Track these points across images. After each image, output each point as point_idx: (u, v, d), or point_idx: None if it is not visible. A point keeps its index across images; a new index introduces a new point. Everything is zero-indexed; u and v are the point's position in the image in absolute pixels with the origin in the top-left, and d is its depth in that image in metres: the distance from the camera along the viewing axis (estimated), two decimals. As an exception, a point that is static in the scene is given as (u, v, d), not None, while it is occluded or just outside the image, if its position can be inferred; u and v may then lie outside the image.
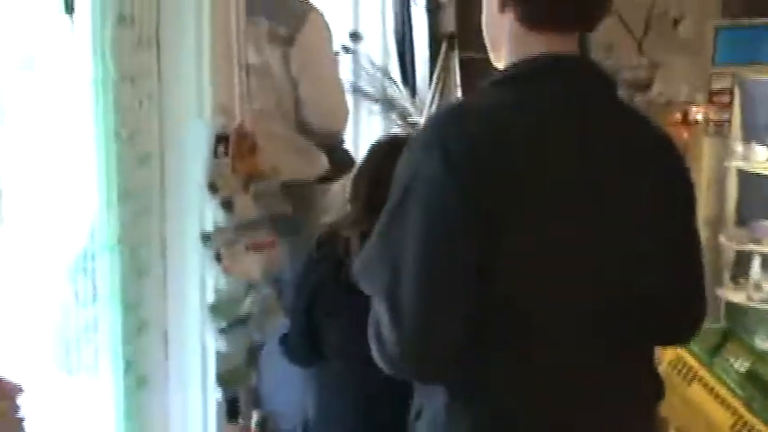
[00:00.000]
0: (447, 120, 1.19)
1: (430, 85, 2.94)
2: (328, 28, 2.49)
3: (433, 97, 2.90)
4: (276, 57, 2.36)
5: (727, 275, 3.30)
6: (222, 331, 2.02)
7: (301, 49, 2.38)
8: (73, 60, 1.93)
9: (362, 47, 3.26)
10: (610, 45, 3.23)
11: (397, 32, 3.19)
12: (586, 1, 1.19)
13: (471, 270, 1.09)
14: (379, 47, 3.34)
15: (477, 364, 1.13)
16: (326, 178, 2.55)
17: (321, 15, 2.45)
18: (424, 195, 1.10)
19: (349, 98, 2.92)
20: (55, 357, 2.21)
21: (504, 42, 1.20)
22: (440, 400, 1.16)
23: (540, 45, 1.17)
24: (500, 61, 1.22)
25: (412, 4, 3.14)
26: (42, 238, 2.11)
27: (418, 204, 1.10)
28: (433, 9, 2.93)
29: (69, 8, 1.74)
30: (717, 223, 3.33)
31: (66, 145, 2.08)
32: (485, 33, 1.25)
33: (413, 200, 1.11)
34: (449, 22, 2.84)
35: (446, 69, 2.81)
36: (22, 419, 1.56)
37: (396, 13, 3.21)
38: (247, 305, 2.07)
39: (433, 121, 1.25)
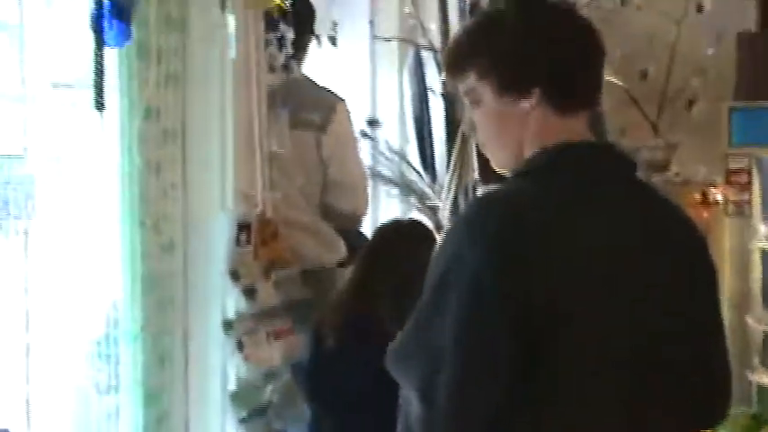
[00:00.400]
0: (482, 213, 1.17)
1: (448, 169, 2.99)
2: (352, 117, 2.62)
3: (451, 181, 2.94)
4: (308, 142, 2.45)
5: (756, 358, 3.25)
6: (243, 420, 2.01)
7: (333, 136, 2.50)
8: (101, 153, 1.98)
9: (381, 132, 3.33)
10: (624, 128, 3.27)
11: (415, 118, 3.26)
12: (600, 73, 1.19)
13: (515, 366, 1.07)
14: (396, 132, 3.41)
15: None
16: (343, 263, 2.58)
17: (347, 105, 2.58)
18: (464, 290, 1.08)
19: (368, 182, 2.97)
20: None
21: (520, 135, 1.18)
22: None
23: (561, 129, 1.16)
24: (510, 158, 1.20)
25: (429, 91, 3.22)
26: (65, 324, 2.12)
27: (458, 299, 1.08)
28: (450, 95, 3.00)
29: (99, 105, 1.80)
30: (742, 304, 3.28)
31: (92, 233, 2.12)
32: (489, 136, 1.22)
33: (452, 293, 1.09)
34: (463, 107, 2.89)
35: (463, 154, 2.86)
36: None
37: (413, 100, 3.29)
38: (268, 393, 2.06)
39: (470, 214, 1.23)
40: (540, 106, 1.15)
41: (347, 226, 2.56)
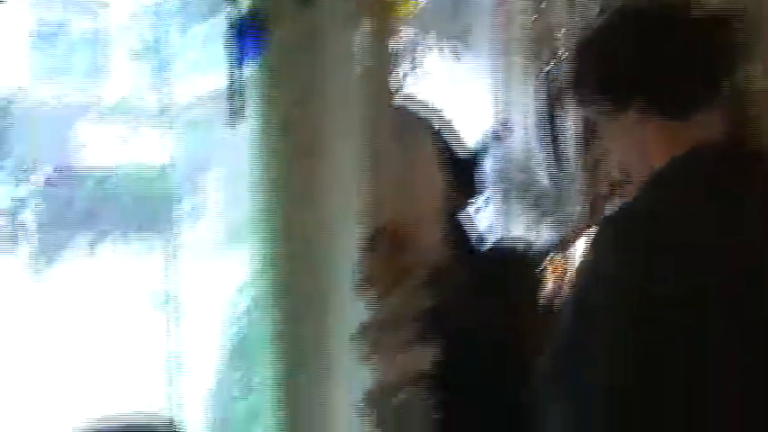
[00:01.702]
0: (628, 222, 1.15)
1: (580, 176, 2.91)
2: None
3: (583, 192, 2.87)
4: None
5: None
6: (376, 425, 2.02)
7: None
8: (237, 166, 2.07)
9: (508, 140, 3.30)
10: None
11: (545, 126, 3.20)
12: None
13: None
14: (525, 140, 3.36)
15: None
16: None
17: None
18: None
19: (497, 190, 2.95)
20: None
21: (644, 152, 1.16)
22: None
23: (682, 138, 1.13)
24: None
25: (558, 92, 3.16)
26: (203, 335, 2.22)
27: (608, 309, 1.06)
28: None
29: (235, 120, 1.88)
30: None
31: (229, 244, 2.20)
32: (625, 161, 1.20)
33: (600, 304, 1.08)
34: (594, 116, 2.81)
35: (597, 164, 2.78)
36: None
37: (542, 104, 3.24)
38: (397, 405, 2.06)
39: (609, 228, 1.21)
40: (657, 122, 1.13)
41: None
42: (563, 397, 1.12)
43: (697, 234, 1.05)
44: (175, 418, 1.92)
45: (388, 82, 2.12)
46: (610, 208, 2.72)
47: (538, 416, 1.19)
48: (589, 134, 2.87)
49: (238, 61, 1.89)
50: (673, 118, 1.12)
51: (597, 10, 2.92)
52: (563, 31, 3.08)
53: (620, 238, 1.13)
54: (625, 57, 1.14)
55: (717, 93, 1.13)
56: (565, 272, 2.47)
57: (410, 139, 2.34)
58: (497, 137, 3.21)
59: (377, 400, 2.04)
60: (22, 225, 2.40)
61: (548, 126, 3.20)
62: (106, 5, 2.57)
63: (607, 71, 1.16)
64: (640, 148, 1.15)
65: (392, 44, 2.17)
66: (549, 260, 2.49)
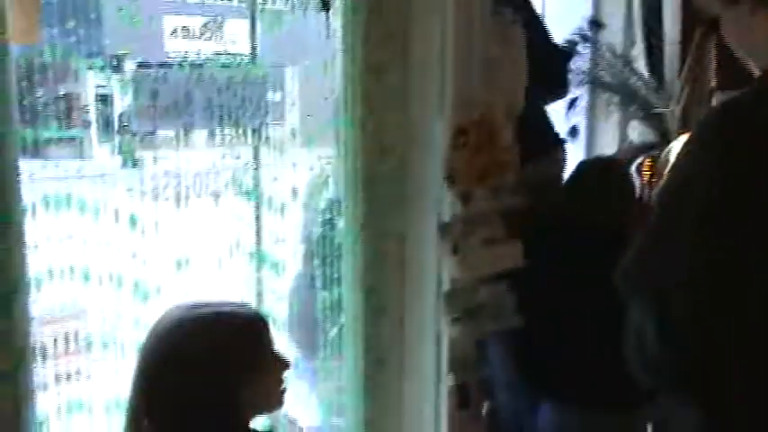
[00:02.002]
0: (728, 119, 1.10)
1: (679, 75, 2.77)
2: None
3: (683, 89, 2.73)
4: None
5: None
6: (456, 320, 2.05)
7: None
8: (326, 54, 2.04)
9: (603, 34, 3.16)
10: None
11: (643, 19, 3.05)
12: None
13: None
14: (621, 34, 3.22)
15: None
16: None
17: None
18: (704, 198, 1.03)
19: (587, 90, 2.85)
20: (295, 338, 2.34)
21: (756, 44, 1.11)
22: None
23: None
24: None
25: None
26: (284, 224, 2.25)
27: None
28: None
29: (325, 5, 1.85)
30: None
31: (315, 132, 2.20)
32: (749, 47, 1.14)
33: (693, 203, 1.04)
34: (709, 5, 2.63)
35: (700, 59, 2.63)
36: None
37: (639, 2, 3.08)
38: (481, 297, 2.08)
39: (711, 123, 1.15)
40: None
41: None
42: (644, 297, 1.09)
43: None
44: (260, 310, 1.97)
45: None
46: (707, 108, 2.61)
47: (619, 315, 1.17)
48: (692, 32, 2.72)
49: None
50: None
51: None
52: None
53: (725, 130, 1.08)
54: None
55: None
56: (658, 172, 2.40)
57: (501, 33, 2.26)
58: (593, 31, 3.08)
59: (459, 296, 2.06)
60: (113, 115, 2.44)
61: (646, 22, 3.05)
62: None
63: None
64: (753, 38, 1.11)
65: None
66: (642, 160, 2.42)
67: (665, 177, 1.11)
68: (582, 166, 2.29)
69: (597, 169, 2.23)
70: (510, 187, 2.18)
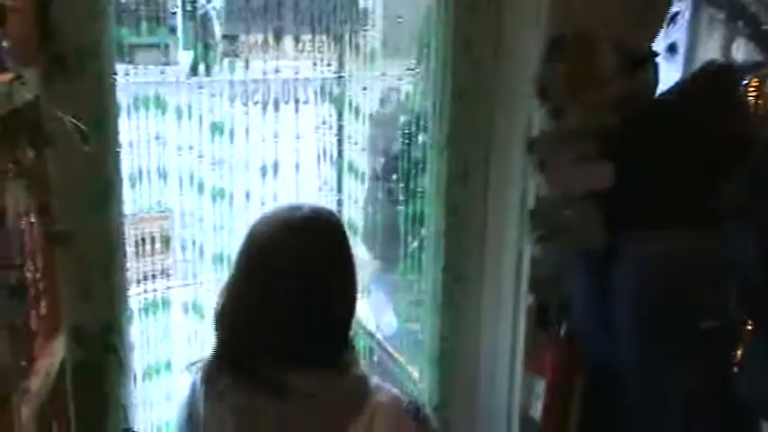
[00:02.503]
0: None
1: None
2: None
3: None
4: None
5: None
6: (540, 239, 2.02)
7: None
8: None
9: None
10: None
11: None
12: None
13: None
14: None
15: None
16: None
17: None
18: None
19: (689, 2, 2.69)
20: (376, 247, 2.36)
21: None
22: None
23: None
24: None
25: None
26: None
27: None
28: None
29: None
30: None
31: (405, 44, 2.16)
32: None
33: None
34: None
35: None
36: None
37: None
38: (567, 216, 2.03)
39: None
40: None
41: None
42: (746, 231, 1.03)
43: None
44: (342, 218, 1.98)
45: None
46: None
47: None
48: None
49: None
50: None
51: None
52: None
53: None
54: None
55: None
56: (766, 94, 2.26)
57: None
58: None
59: (545, 212, 2.02)
60: (206, 19, 2.43)
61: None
62: None
63: None
64: None
65: None
66: (749, 80, 2.28)
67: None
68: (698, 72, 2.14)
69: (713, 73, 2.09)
70: (603, 106, 2.09)
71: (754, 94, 2.19)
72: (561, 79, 1.94)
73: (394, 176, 2.33)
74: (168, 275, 2.01)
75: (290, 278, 1.33)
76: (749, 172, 1.07)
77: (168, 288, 1.98)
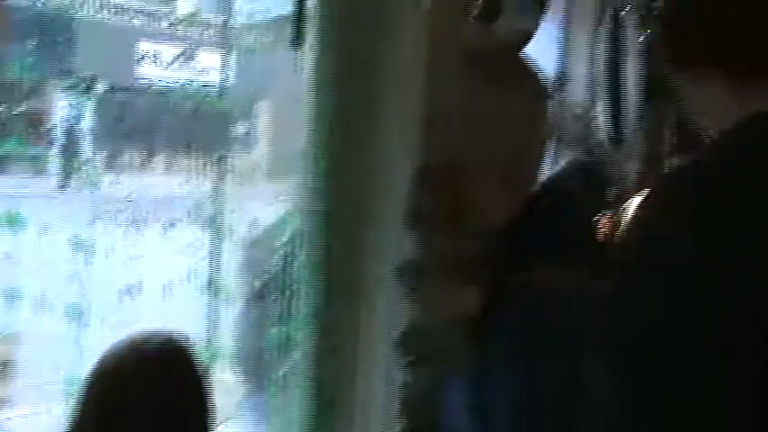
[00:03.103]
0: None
1: (639, 133, 2.84)
2: None
3: (642, 149, 2.80)
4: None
5: None
6: (410, 364, 2.03)
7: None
8: (297, 91, 2.04)
9: (567, 93, 3.23)
10: None
11: (606, 80, 3.12)
12: None
13: None
14: (584, 93, 3.29)
15: None
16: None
17: None
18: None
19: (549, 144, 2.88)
20: (245, 372, 2.31)
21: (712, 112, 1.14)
22: None
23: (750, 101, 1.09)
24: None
25: (625, 52, 3.07)
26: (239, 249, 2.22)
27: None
28: (648, 51, 2.83)
29: (297, 42, 1.84)
30: None
31: (282, 171, 2.19)
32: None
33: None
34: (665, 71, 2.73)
35: (660, 118, 2.69)
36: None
37: (605, 56, 3.15)
38: (437, 341, 2.06)
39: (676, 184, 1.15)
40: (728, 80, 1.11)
41: None
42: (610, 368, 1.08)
43: (761, 196, 1.03)
44: (210, 341, 1.93)
45: (456, 18, 2.06)
46: (667, 167, 2.66)
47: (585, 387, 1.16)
48: (653, 92, 2.79)
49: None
50: (740, 80, 1.10)
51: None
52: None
53: (681, 196, 1.10)
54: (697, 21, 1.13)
55: None
56: (616, 229, 2.42)
57: (476, 77, 2.29)
58: (558, 83, 3.15)
59: (416, 338, 2.04)
60: (81, 135, 2.40)
61: (610, 78, 3.12)
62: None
63: (681, 33, 1.15)
64: (707, 103, 1.14)
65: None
66: (600, 216, 2.44)
67: (625, 235, 1.11)
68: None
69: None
70: (473, 233, 2.17)
71: (606, 230, 2.35)
72: (431, 208, 2.01)
73: (267, 298, 2.32)
74: (9, 405, 1.88)
75: (139, 415, 1.28)
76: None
77: (7, 419, 1.84)
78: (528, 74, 2.14)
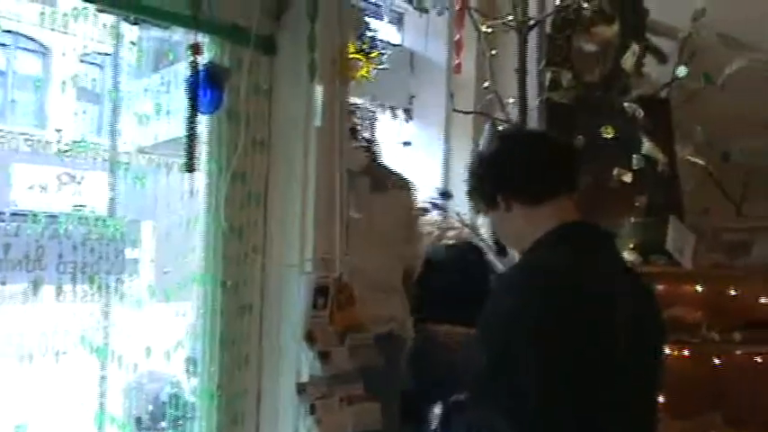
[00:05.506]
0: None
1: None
2: None
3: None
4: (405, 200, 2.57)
5: None
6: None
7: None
8: (188, 214, 2.05)
9: (451, 204, 3.37)
10: (706, 208, 3.20)
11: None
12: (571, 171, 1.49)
13: None
14: (468, 204, 3.44)
15: None
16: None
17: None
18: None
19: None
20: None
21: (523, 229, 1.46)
22: None
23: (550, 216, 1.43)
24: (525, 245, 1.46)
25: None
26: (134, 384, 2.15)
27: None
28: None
29: (191, 167, 1.87)
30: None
31: (175, 291, 2.17)
32: (507, 237, 1.56)
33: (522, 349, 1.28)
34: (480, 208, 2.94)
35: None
36: None
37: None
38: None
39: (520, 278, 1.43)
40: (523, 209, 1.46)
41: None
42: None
43: (568, 278, 1.35)
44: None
45: (342, 135, 2.15)
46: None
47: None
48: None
49: (197, 110, 1.89)
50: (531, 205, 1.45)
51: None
52: (510, 100, 3.18)
53: (512, 285, 1.42)
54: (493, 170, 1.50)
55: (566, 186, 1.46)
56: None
57: (364, 194, 2.37)
58: (443, 195, 3.29)
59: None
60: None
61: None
62: (55, 49, 2.55)
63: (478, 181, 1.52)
64: (511, 229, 1.50)
65: (348, 101, 2.21)
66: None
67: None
68: None
69: None
70: (370, 347, 2.20)
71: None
72: (326, 325, 2.03)
73: (162, 424, 2.24)
74: None
75: None
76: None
77: None
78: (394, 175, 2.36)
